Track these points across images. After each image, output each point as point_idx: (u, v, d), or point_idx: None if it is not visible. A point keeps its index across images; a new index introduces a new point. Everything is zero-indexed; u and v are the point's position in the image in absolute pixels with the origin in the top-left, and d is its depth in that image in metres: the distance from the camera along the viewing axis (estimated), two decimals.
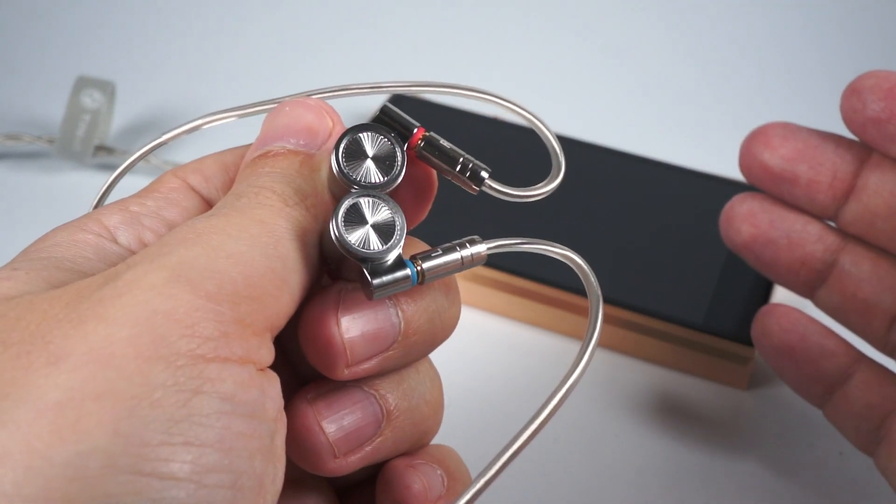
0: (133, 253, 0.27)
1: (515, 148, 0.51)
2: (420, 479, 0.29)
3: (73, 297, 0.23)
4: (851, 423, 0.37)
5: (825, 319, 0.38)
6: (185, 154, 0.50)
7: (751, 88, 0.58)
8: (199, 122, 0.30)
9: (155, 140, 0.30)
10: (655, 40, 0.62)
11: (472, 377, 0.44)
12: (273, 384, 0.24)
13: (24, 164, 0.54)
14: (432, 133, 0.28)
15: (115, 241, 0.27)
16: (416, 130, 0.28)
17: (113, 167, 0.53)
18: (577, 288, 0.44)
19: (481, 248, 0.27)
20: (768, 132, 0.37)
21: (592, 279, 0.29)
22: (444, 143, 0.28)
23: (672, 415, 0.43)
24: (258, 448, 0.23)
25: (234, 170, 0.29)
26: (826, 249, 0.37)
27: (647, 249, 0.46)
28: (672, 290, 0.44)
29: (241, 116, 0.30)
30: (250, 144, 0.29)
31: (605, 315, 0.44)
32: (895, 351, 0.36)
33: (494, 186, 0.28)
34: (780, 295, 0.44)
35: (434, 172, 0.29)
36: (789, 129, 0.37)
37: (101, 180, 0.53)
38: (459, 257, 0.27)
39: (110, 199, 0.30)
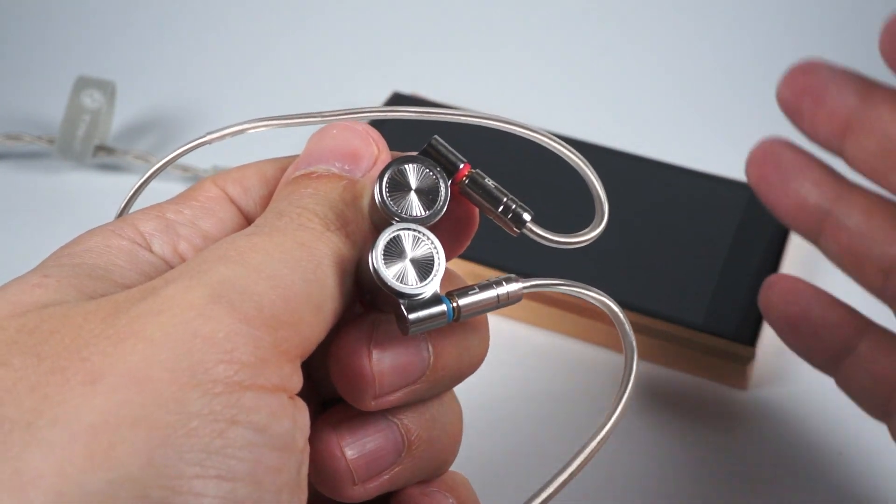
0: (167, 262, 0.27)
1: (514, 147, 0.51)
2: None
3: (110, 311, 0.23)
4: (861, 392, 0.36)
5: (833, 283, 0.38)
6: (203, 159, 0.50)
7: (751, 89, 0.58)
8: (245, 125, 0.29)
9: (198, 139, 0.29)
10: (656, 40, 0.62)
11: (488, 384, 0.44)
12: (303, 413, 0.24)
13: (24, 164, 0.54)
14: (477, 170, 0.28)
15: (150, 249, 0.27)
16: (461, 166, 0.27)
17: (113, 167, 0.54)
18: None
19: (517, 286, 0.27)
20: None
21: (627, 328, 0.29)
22: (489, 181, 0.28)
23: (672, 415, 0.43)
24: (286, 482, 0.23)
25: (273, 183, 0.29)
26: (822, 196, 0.36)
27: (648, 249, 0.46)
28: (672, 290, 0.44)
29: (284, 126, 0.29)
30: (291, 157, 0.29)
31: (604, 314, 0.44)
32: (894, 301, 0.36)
33: (535, 231, 0.28)
34: (788, 266, 0.44)
35: (476, 210, 0.29)
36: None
37: (102, 180, 0.53)
38: (496, 296, 0.27)
39: (136, 204, 0.29)
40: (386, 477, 0.28)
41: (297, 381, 0.24)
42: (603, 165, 0.50)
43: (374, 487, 0.28)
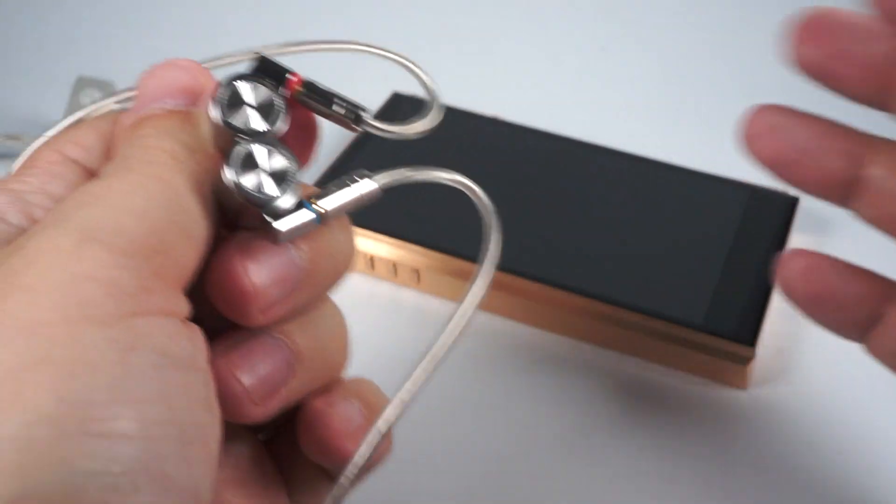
0: (25, 230, 0.26)
1: (515, 147, 0.51)
2: (338, 414, 0.29)
3: None
4: (890, 359, 0.36)
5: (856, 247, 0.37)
6: None
7: (752, 89, 0.58)
8: (86, 111, 0.30)
9: (43, 134, 0.29)
10: (656, 40, 0.62)
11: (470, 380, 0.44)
12: (198, 335, 0.25)
13: None
14: (310, 79, 0.28)
15: (5, 221, 0.27)
16: (293, 78, 0.28)
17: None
18: (569, 286, 0.44)
19: (374, 183, 0.28)
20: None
21: (484, 198, 0.29)
22: (322, 86, 0.28)
23: (672, 415, 0.42)
24: (196, 398, 0.24)
25: (111, 137, 0.29)
26: (850, 163, 0.35)
27: (648, 249, 0.46)
28: (672, 290, 0.44)
29: (121, 102, 0.30)
30: (123, 111, 0.29)
31: (604, 315, 0.44)
32: None
33: (374, 124, 0.28)
34: (795, 240, 0.44)
35: (314, 116, 0.29)
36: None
37: None
38: (356, 194, 0.27)
39: None
40: (284, 392, 0.28)
41: (185, 307, 0.25)
42: (603, 165, 0.50)
43: (274, 404, 0.28)
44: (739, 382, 0.43)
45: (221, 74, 0.29)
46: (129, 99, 0.30)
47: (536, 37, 0.62)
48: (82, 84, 0.52)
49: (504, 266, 0.45)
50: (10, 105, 0.57)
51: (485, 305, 0.46)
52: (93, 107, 0.30)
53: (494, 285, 0.45)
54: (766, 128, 0.37)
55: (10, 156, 0.54)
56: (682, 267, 0.45)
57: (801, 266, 0.36)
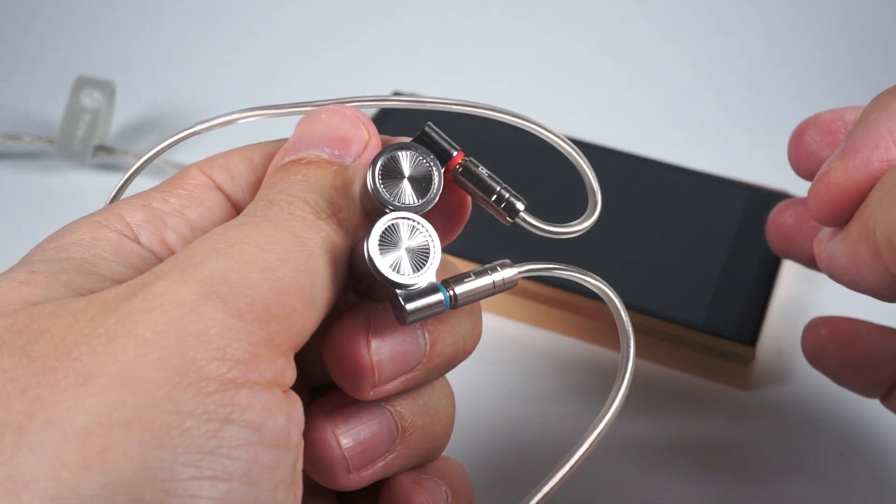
0: (155, 254, 0.26)
1: (516, 148, 0.51)
2: (424, 496, 0.29)
3: (99, 309, 0.22)
4: None
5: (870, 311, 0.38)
6: (189, 154, 0.50)
7: (751, 89, 0.58)
8: (236, 115, 0.29)
9: (187, 129, 0.29)
10: (656, 40, 0.62)
11: (475, 380, 0.43)
12: (297, 408, 0.24)
13: (24, 164, 0.54)
14: (471, 158, 0.27)
15: (137, 241, 0.26)
16: (455, 154, 0.27)
17: (113, 167, 0.53)
18: (580, 289, 0.44)
19: (512, 272, 0.27)
20: (820, 126, 0.36)
21: (624, 315, 0.28)
22: (482, 170, 0.27)
23: (672, 415, 0.42)
24: (282, 479, 0.23)
25: (261, 169, 0.28)
26: None
27: (648, 249, 0.46)
28: (672, 290, 0.44)
29: (275, 115, 0.29)
30: (277, 142, 0.29)
31: (604, 314, 0.44)
32: None
33: (529, 220, 0.28)
34: (789, 265, 0.44)
35: (469, 198, 0.28)
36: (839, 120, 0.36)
37: (101, 180, 0.53)
38: (492, 282, 0.27)
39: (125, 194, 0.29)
40: (380, 464, 0.28)
41: (291, 375, 0.24)
42: (603, 165, 0.50)
43: (368, 475, 0.28)
44: (739, 382, 0.43)
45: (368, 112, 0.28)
46: (280, 114, 0.29)
47: (535, 37, 0.62)
48: (82, 84, 0.52)
49: (479, 258, 0.45)
50: (10, 105, 0.56)
51: (484, 305, 0.46)
52: (243, 114, 0.29)
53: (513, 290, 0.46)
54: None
55: (10, 155, 0.54)
56: (682, 267, 0.45)
57: (830, 333, 0.36)
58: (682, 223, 0.47)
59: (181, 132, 0.29)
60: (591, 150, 0.50)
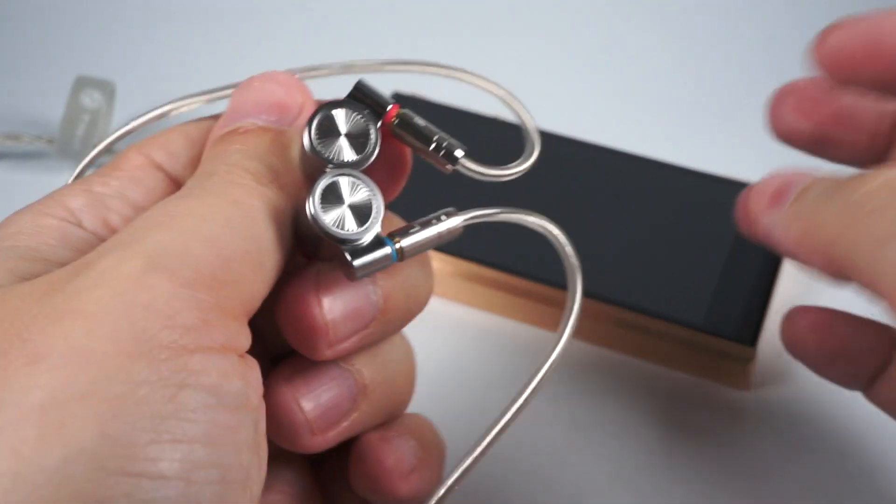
0: (98, 237, 0.26)
1: (514, 147, 0.51)
2: (392, 452, 0.29)
3: (45, 290, 0.23)
4: (894, 405, 0.36)
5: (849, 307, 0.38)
6: None
7: (752, 88, 0.58)
8: (168, 107, 0.29)
9: (122, 128, 0.29)
10: (656, 40, 0.62)
11: (451, 371, 0.44)
12: (254, 371, 0.24)
13: (23, 164, 0.54)
14: (407, 110, 0.27)
15: (80, 226, 0.26)
16: (390, 108, 0.27)
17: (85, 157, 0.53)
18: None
19: (457, 220, 0.27)
20: (798, 94, 0.36)
21: (568, 249, 0.29)
22: (419, 120, 0.27)
23: (672, 415, 0.42)
24: (244, 440, 0.23)
25: (200, 145, 0.28)
26: (885, 343, 0.35)
27: (648, 249, 0.46)
28: (672, 290, 0.44)
29: (210, 101, 0.29)
30: (215, 116, 0.29)
31: (604, 315, 0.44)
32: None
33: (469, 166, 0.28)
34: (789, 265, 0.44)
35: (408, 150, 0.28)
36: (821, 89, 0.36)
37: None
38: (437, 232, 0.27)
39: None
40: (345, 424, 0.28)
41: (245, 340, 0.24)
42: (603, 165, 0.50)
43: (332, 435, 0.28)
44: (740, 383, 0.43)
45: (312, 86, 0.28)
46: (220, 97, 0.29)
47: (537, 37, 0.62)
48: (82, 84, 0.52)
49: (503, 266, 0.45)
50: (9, 105, 0.56)
51: (484, 304, 0.46)
52: (178, 104, 0.29)
53: (493, 284, 0.46)
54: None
55: (10, 155, 0.54)
56: (682, 267, 0.45)
57: (808, 323, 0.36)
58: (682, 223, 0.47)
59: (114, 134, 0.29)
60: (592, 150, 0.50)
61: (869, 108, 0.35)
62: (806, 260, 0.29)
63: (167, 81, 0.58)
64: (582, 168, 0.49)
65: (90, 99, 0.52)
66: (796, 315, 0.37)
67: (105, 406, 0.21)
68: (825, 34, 0.33)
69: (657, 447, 0.41)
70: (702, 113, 0.57)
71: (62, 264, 0.25)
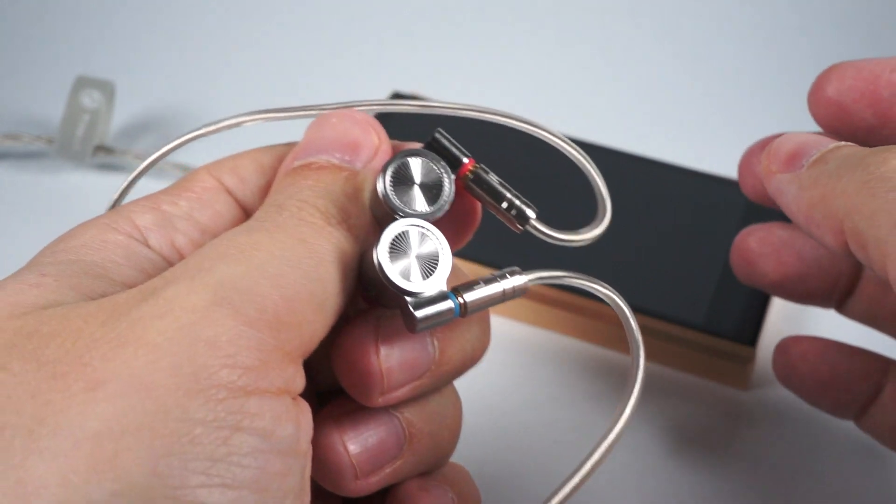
0: (164, 258, 0.26)
1: (524, 153, 0.51)
2: (430, 501, 0.28)
3: (110, 313, 0.22)
4: (887, 431, 0.36)
5: (831, 323, 0.38)
6: (196, 157, 0.50)
7: (751, 88, 0.58)
8: (242, 118, 0.29)
9: (193, 132, 0.29)
10: (656, 40, 0.62)
11: (492, 387, 0.43)
12: (306, 415, 0.24)
13: (23, 164, 0.54)
14: (482, 165, 0.27)
15: (147, 244, 0.26)
16: (466, 161, 0.27)
17: (113, 167, 0.53)
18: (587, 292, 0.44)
19: (522, 279, 0.27)
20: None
21: (633, 324, 0.28)
22: (493, 176, 0.27)
23: (672, 415, 0.42)
24: (290, 486, 0.23)
25: (270, 172, 0.28)
26: (853, 262, 0.35)
27: (648, 249, 0.46)
28: (672, 290, 0.44)
29: (281, 119, 0.29)
30: (287, 145, 0.28)
31: (603, 314, 0.44)
32: None
33: (539, 228, 0.28)
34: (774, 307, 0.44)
35: (479, 205, 0.28)
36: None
37: (101, 180, 0.53)
38: (501, 290, 0.26)
39: (129, 196, 0.29)
40: (388, 471, 0.28)
41: (301, 382, 0.24)
42: (603, 165, 0.50)
43: (375, 481, 0.28)
44: (740, 383, 0.43)
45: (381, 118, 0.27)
46: (286, 117, 0.29)
47: (537, 37, 0.62)
48: (82, 84, 0.52)
49: (486, 261, 0.45)
50: (9, 105, 0.56)
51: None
52: (246, 118, 0.29)
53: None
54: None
55: (10, 155, 0.54)
56: (682, 267, 0.45)
57: (800, 352, 0.36)
58: (682, 223, 0.47)
59: (187, 134, 0.28)
60: (591, 150, 0.50)
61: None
62: (814, 226, 0.29)
63: (167, 81, 0.58)
64: (568, 168, 0.49)
65: (90, 99, 0.52)
66: (788, 345, 0.37)
67: (159, 442, 0.21)
68: (822, 82, 0.33)
69: (657, 447, 0.41)
70: (702, 113, 0.57)
71: (126, 283, 0.25)
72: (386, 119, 0.51)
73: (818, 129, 0.34)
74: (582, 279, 0.28)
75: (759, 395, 0.43)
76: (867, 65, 0.33)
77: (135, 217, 0.27)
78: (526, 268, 0.45)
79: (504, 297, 0.26)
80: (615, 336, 0.44)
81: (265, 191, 0.28)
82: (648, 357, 0.44)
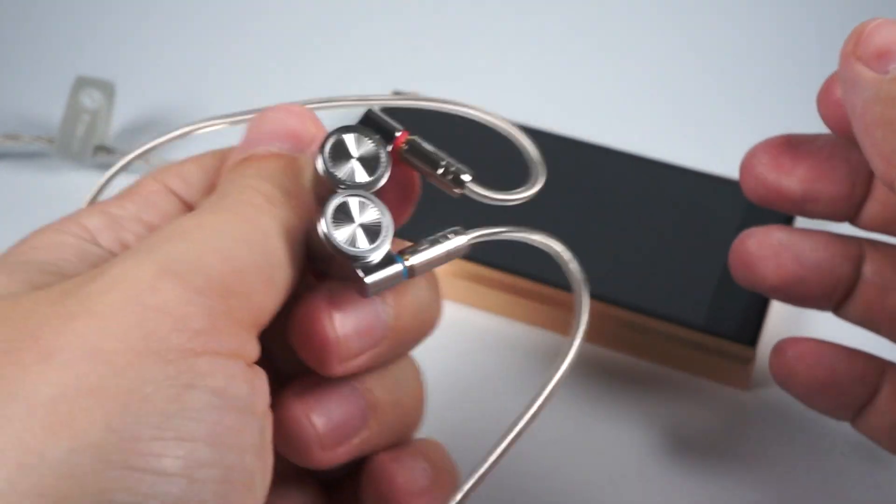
0: (115, 254, 0.27)
1: (503, 149, 0.51)
2: (404, 472, 0.29)
3: (58, 294, 0.23)
4: (884, 433, 0.36)
5: (830, 325, 0.38)
6: (180, 155, 0.50)
7: (751, 88, 0.58)
8: (191, 127, 0.30)
9: (146, 144, 0.30)
10: (655, 39, 0.62)
11: (458, 375, 0.44)
12: (261, 379, 0.25)
13: (23, 164, 0.54)
14: (415, 137, 0.28)
15: (97, 244, 0.27)
16: (399, 134, 0.28)
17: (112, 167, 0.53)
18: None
19: (464, 238, 0.28)
20: (772, 152, 0.35)
21: (572, 266, 0.29)
22: (427, 146, 0.28)
23: (672, 415, 0.42)
24: (249, 443, 0.24)
25: (214, 173, 0.29)
26: (853, 266, 0.35)
27: (648, 249, 0.46)
28: (672, 290, 0.44)
29: (232, 124, 0.30)
30: (231, 148, 0.29)
31: (604, 315, 0.44)
32: None
33: (476, 190, 0.29)
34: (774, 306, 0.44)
35: (417, 175, 0.29)
36: (793, 145, 0.35)
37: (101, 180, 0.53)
38: (445, 250, 0.27)
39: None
40: (355, 441, 0.28)
41: (253, 350, 0.25)
42: (603, 165, 0.50)
43: (342, 452, 0.28)
44: (740, 383, 0.43)
45: (323, 117, 0.29)
46: (238, 122, 0.30)
47: (536, 37, 0.62)
48: (82, 84, 0.52)
49: (503, 265, 0.45)
50: (9, 105, 0.56)
51: (482, 304, 0.46)
52: (198, 126, 0.30)
53: (492, 284, 0.46)
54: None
55: (10, 155, 0.54)
56: (682, 267, 0.45)
57: (797, 353, 0.36)
58: (682, 223, 0.47)
59: (135, 152, 0.30)
60: (592, 150, 0.50)
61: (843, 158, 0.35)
62: (868, 142, 0.28)
63: (167, 81, 0.58)
64: (582, 168, 0.49)
65: (90, 99, 0.52)
66: (785, 346, 0.37)
67: (112, 401, 0.22)
68: (832, 83, 0.33)
69: (657, 447, 0.41)
70: (703, 113, 0.57)
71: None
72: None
73: (826, 129, 0.34)
74: (520, 231, 0.29)
75: (760, 395, 0.43)
76: None
77: (83, 220, 0.27)
78: (526, 267, 0.45)
79: (448, 256, 0.28)
80: (601, 331, 0.44)
81: (210, 191, 0.29)
82: (649, 357, 0.44)
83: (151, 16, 0.62)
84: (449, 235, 0.28)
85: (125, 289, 0.23)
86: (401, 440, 0.30)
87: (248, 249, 0.25)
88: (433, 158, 0.28)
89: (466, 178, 0.28)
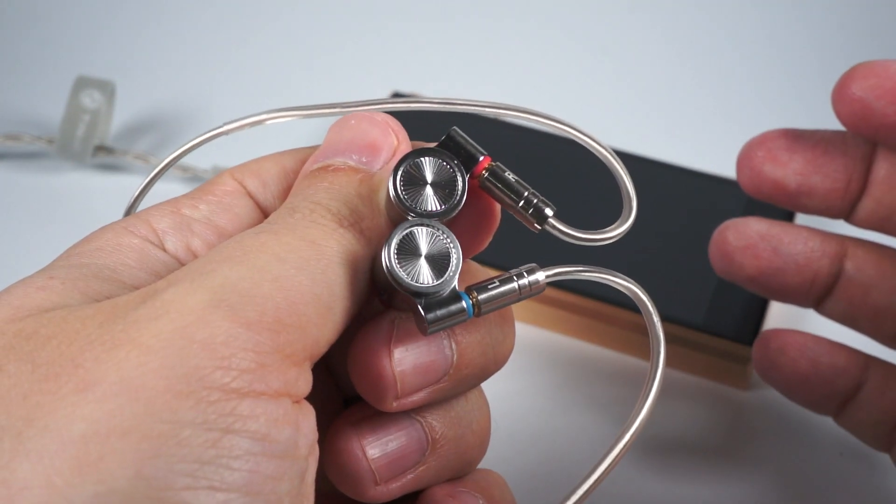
0: (179, 261, 0.26)
1: (515, 148, 0.51)
2: None
3: (108, 315, 0.22)
4: (867, 428, 0.36)
5: (826, 327, 0.38)
6: (203, 159, 0.50)
7: (751, 87, 0.58)
8: (263, 116, 0.28)
9: (215, 129, 0.28)
10: (655, 40, 0.62)
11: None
12: (308, 418, 0.23)
13: (23, 164, 0.54)
14: (498, 163, 0.26)
15: (163, 248, 0.26)
16: (481, 159, 0.26)
17: (113, 167, 0.53)
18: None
19: (539, 276, 0.26)
20: (770, 145, 0.35)
21: (656, 319, 0.28)
22: (510, 175, 0.26)
23: (672, 415, 0.42)
24: (287, 491, 0.22)
25: (293, 176, 0.28)
26: (832, 262, 0.35)
27: (648, 249, 0.46)
28: (672, 290, 0.44)
29: (304, 116, 0.28)
30: (311, 149, 0.28)
31: (604, 314, 0.44)
32: None
33: (557, 226, 0.27)
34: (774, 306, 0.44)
35: (497, 205, 0.27)
36: (791, 138, 0.35)
37: (101, 180, 0.53)
38: (517, 287, 0.26)
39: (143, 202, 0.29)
40: (409, 477, 0.27)
41: (304, 385, 0.23)
42: (603, 165, 0.50)
43: (396, 488, 0.27)
44: (740, 382, 0.43)
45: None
46: (310, 114, 0.28)
47: (537, 37, 0.62)
48: (82, 84, 0.52)
49: (502, 265, 0.45)
50: (10, 105, 0.56)
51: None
52: (273, 114, 0.28)
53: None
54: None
55: (10, 156, 0.54)
56: (681, 267, 0.45)
57: (779, 346, 0.36)
58: (682, 223, 0.47)
59: (207, 133, 0.28)
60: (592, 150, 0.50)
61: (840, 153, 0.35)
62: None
63: (167, 81, 0.58)
64: (581, 168, 0.49)
65: (90, 99, 0.52)
66: (768, 338, 0.37)
67: (146, 445, 0.21)
68: (848, 80, 0.33)
69: (657, 446, 0.41)
70: (702, 113, 0.57)
71: (137, 287, 0.24)
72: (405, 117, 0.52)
73: (839, 126, 0.34)
74: (602, 273, 0.27)
75: (759, 394, 0.43)
76: (893, 65, 0.32)
77: (153, 220, 0.26)
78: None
79: (520, 295, 0.26)
80: (634, 341, 0.44)
81: (286, 194, 0.27)
82: (648, 356, 0.44)
83: (152, 16, 0.63)
84: (524, 273, 0.26)
85: (174, 318, 0.22)
86: (459, 475, 0.28)
87: (309, 279, 0.23)
88: (516, 189, 0.26)
89: (549, 212, 0.26)
